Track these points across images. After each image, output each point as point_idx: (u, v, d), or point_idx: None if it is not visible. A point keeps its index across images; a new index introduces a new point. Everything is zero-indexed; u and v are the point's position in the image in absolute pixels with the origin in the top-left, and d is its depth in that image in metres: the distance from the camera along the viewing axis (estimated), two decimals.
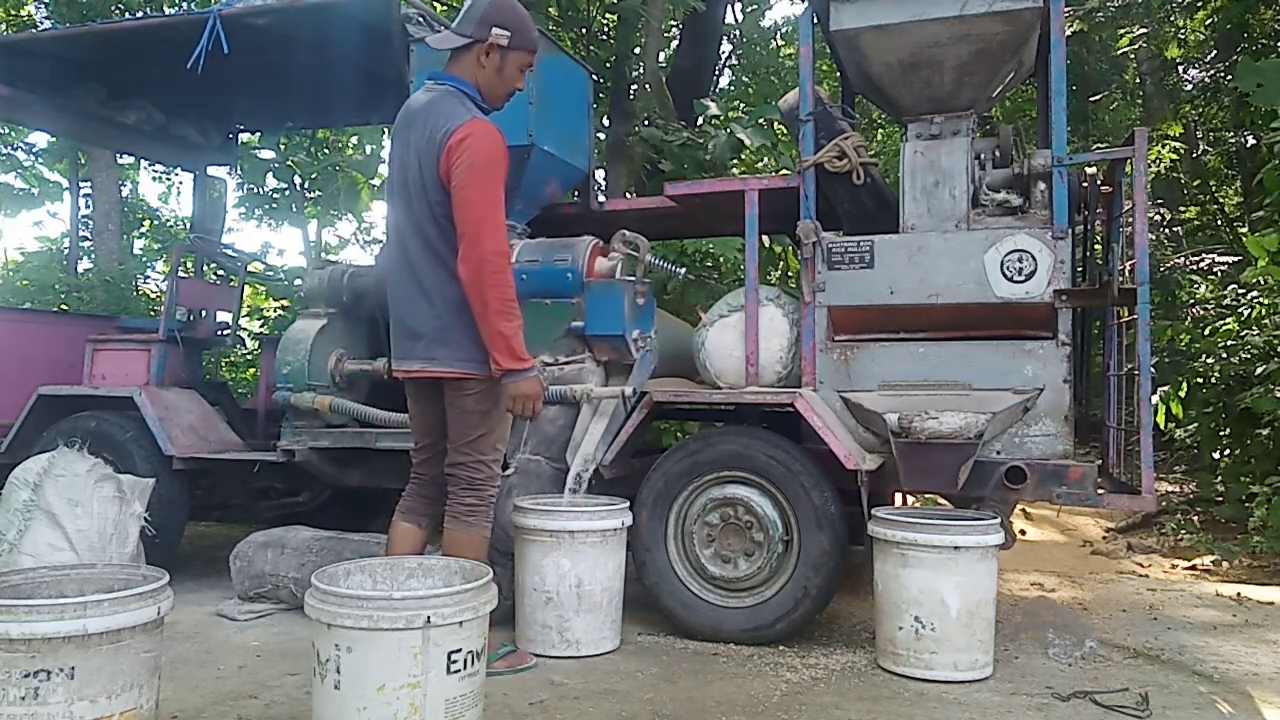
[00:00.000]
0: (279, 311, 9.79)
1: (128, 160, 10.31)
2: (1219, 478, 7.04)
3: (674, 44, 9.26)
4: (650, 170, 7.22)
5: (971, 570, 3.19)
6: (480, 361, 2.88)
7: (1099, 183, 3.90)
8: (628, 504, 3.63)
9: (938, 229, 3.66)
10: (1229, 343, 6.76)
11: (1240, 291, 7.04)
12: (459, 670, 2.27)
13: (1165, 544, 6.15)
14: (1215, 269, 8.40)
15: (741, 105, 7.71)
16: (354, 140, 9.98)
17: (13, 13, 10.43)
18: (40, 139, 10.63)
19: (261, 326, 9.98)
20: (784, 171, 6.79)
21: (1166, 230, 10.46)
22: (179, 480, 4.53)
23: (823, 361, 3.75)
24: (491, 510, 3.01)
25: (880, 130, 12.44)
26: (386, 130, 9.63)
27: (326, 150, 9.66)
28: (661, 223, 4.80)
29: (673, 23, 9.09)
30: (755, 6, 9.94)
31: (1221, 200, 11.58)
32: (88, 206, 10.51)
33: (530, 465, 3.84)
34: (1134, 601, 4.48)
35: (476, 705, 2.35)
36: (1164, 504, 6.81)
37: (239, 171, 8.07)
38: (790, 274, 8.22)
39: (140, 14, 8.56)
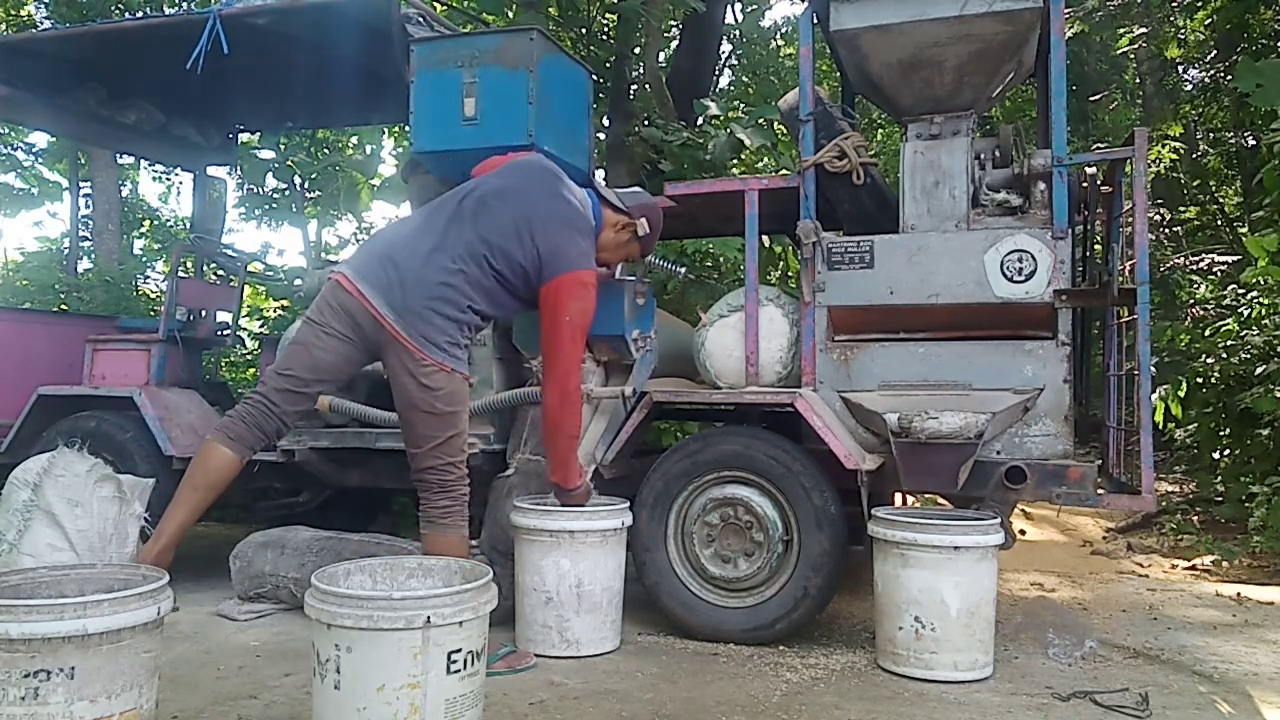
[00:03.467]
0: (279, 311, 9.78)
1: (128, 160, 10.31)
2: (1219, 478, 7.04)
3: (674, 44, 9.25)
4: (650, 170, 7.20)
5: (971, 570, 3.19)
6: (444, 353, 2.91)
7: (1099, 183, 3.89)
8: (628, 504, 3.63)
9: (938, 229, 3.66)
10: (1229, 343, 6.76)
11: (1240, 291, 7.03)
12: (459, 670, 2.27)
13: (1165, 544, 6.15)
14: (1215, 269, 8.40)
15: (741, 105, 7.70)
16: (354, 140, 9.98)
17: (13, 13, 10.43)
18: (40, 139, 10.65)
19: (261, 326, 9.97)
20: (784, 171, 6.78)
21: (1166, 230, 10.45)
22: (179, 480, 4.52)
23: (823, 361, 3.74)
24: (466, 508, 3.02)
25: (880, 130, 12.43)
26: (387, 130, 9.67)
27: (326, 150, 9.66)
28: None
29: (673, 23, 9.08)
30: (755, 6, 9.93)
31: (1221, 200, 11.58)
32: (88, 206, 10.52)
33: (530, 465, 3.84)
34: (1134, 601, 4.48)
35: (476, 705, 2.35)
36: (1164, 504, 6.80)
37: (239, 171, 8.06)
38: (790, 274, 8.22)
39: (140, 14, 8.57)
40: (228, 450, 3.00)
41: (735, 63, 10.40)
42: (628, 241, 3.41)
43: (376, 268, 2.98)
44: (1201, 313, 7.57)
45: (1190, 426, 7.35)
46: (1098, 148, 8.06)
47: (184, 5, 9.34)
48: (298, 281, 7.55)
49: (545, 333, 3.11)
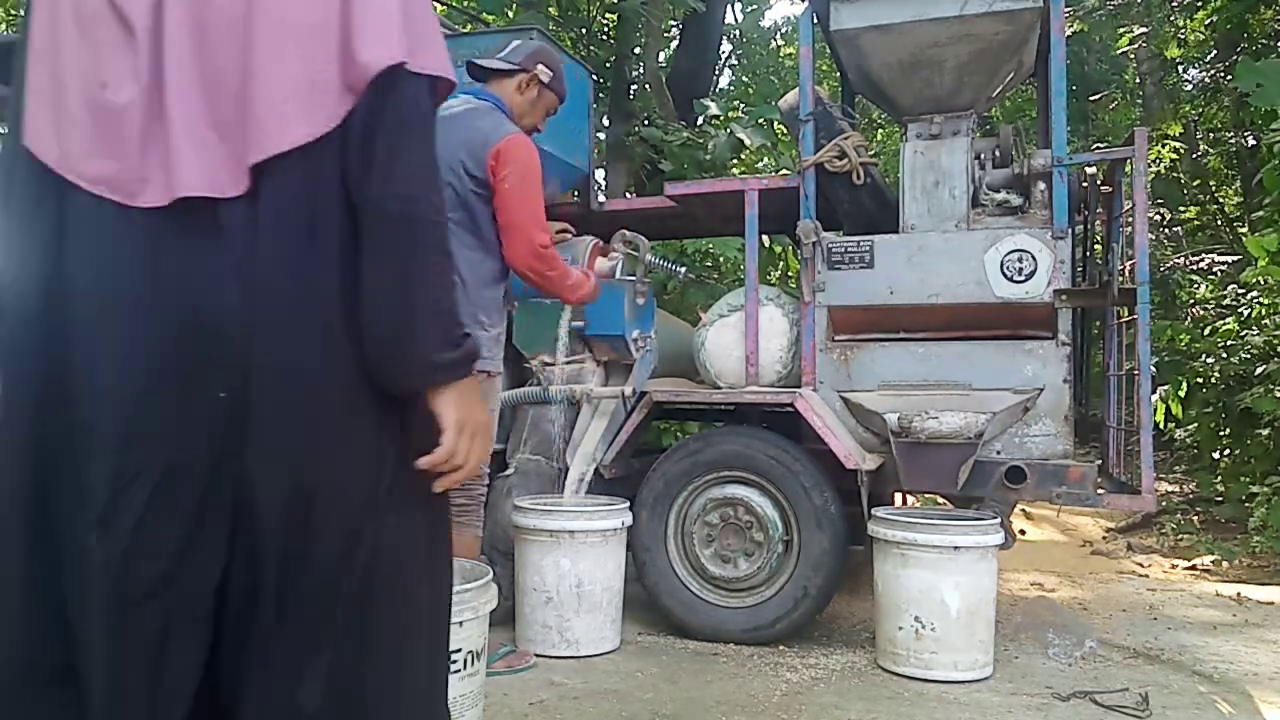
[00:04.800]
0: None
1: None
2: (1219, 478, 7.04)
3: (674, 44, 9.26)
4: (650, 170, 7.21)
5: (971, 570, 3.19)
6: None
7: (1099, 183, 3.90)
8: (628, 504, 3.63)
9: (938, 229, 3.66)
10: (1229, 343, 6.76)
11: (1240, 291, 7.04)
12: (459, 670, 2.27)
13: (1165, 544, 6.15)
14: (1215, 269, 8.40)
15: (741, 105, 7.71)
16: None
17: (13, 13, 10.43)
18: None
19: None
20: (784, 171, 6.79)
21: (1166, 230, 10.46)
22: None
23: (823, 361, 3.74)
24: (481, 508, 3.02)
25: (880, 130, 12.44)
26: None
27: None
28: (661, 223, 4.79)
29: (673, 23, 9.09)
30: (755, 6, 9.94)
31: (1221, 200, 11.58)
32: None
33: (530, 465, 3.84)
34: (1134, 601, 4.48)
35: (476, 705, 2.35)
36: (1164, 504, 6.80)
37: None
38: (790, 274, 8.22)
39: None
40: None
41: (735, 63, 10.41)
42: (539, 95, 3.22)
43: None
44: (1201, 313, 7.58)
45: (1190, 426, 7.35)
46: (1098, 148, 8.06)
47: None
48: None
49: (496, 207, 2.96)
